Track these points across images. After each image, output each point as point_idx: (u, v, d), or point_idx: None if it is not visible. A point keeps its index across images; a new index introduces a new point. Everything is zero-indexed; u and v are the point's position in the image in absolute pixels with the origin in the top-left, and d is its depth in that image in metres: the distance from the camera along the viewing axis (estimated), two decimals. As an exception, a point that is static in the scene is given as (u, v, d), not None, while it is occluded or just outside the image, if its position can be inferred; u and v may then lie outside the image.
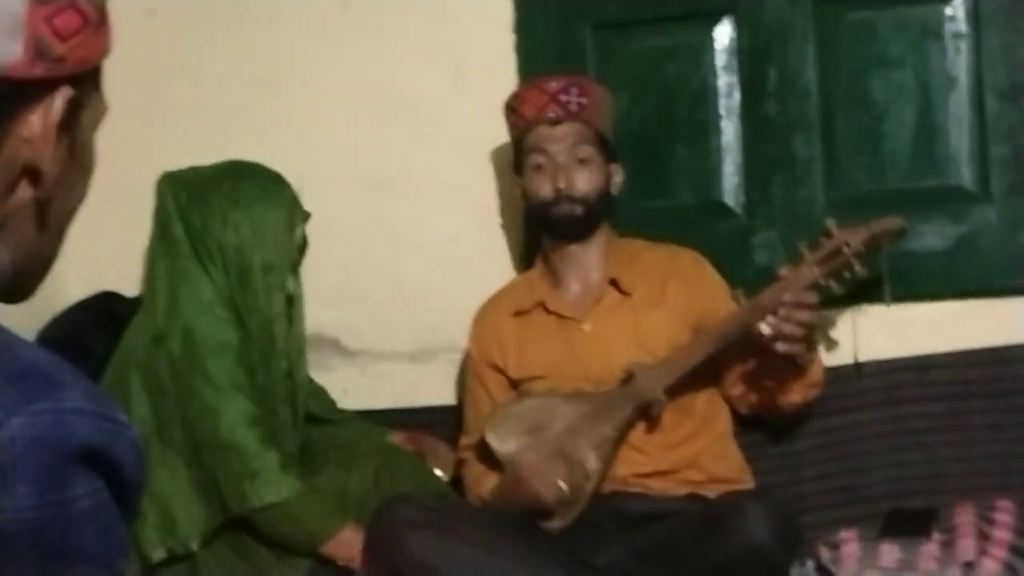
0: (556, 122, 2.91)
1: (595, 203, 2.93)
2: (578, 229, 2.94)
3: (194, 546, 2.78)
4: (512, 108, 2.98)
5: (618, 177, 2.99)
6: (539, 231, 3.04)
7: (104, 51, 1.09)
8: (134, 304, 3.02)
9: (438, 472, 3.03)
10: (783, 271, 2.80)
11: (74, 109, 1.06)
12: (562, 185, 2.89)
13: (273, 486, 2.77)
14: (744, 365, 2.93)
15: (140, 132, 3.31)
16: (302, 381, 2.97)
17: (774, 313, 2.75)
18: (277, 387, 2.91)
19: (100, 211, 3.08)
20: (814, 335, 2.81)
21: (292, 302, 2.92)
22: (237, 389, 2.81)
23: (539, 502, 2.79)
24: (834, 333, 3.01)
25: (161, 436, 2.80)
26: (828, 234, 2.80)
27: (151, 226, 2.95)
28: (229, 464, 2.78)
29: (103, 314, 3.11)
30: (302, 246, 2.94)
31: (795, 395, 2.88)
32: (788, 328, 2.73)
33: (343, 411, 3.18)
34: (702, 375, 2.90)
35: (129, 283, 3.17)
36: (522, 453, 2.82)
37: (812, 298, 2.77)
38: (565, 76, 2.97)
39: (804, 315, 2.74)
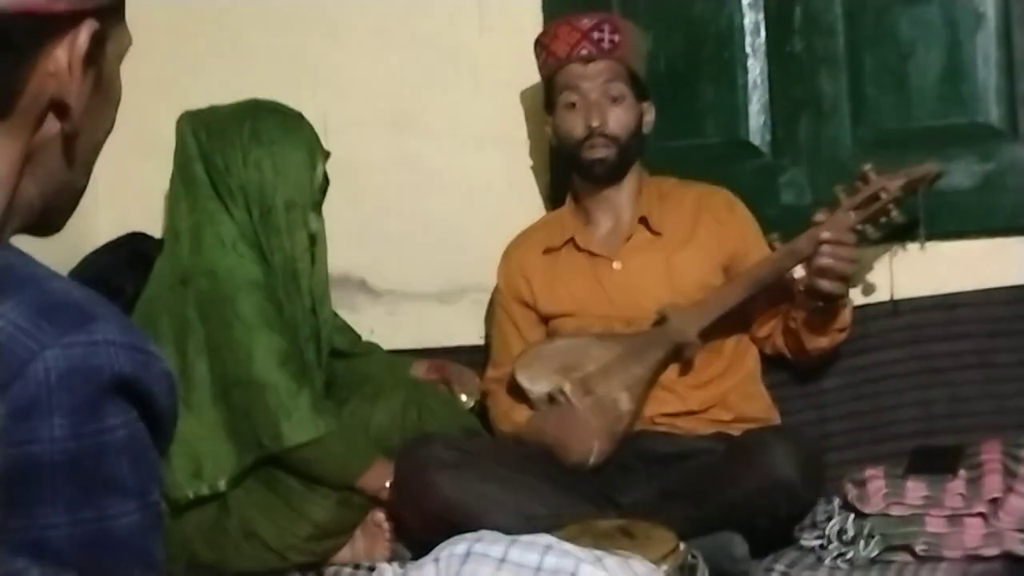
0: (589, 60, 2.89)
1: (627, 143, 2.91)
2: (610, 173, 2.93)
3: (222, 486, 2.81)
4: (543, 45, 2.95)
5: (650, 115, 2.98)
6: (570, 171, 3.03)
7: None
8: (162, 244, 3.04)
9: (463, 397, 3.04)
10: (819, 215, 2.79)
11: (99, 42, 1.06)
12: (595, 124, 2.88)
13: (307, 424, 2.79)
14: (774, 308, 2.93)
15: (165, 74, 3.31)
16: (326, 318, 2.99)
17: (810, 259, 2.75)
18: (302, 324, 2.93)
19: (127, 153, 3.11)
20: (851, 275, 2.80)
21: (315, 240, 2.94)
22: (268, 326, 2.83)
23: (570, 461, 2.81)
24: (869, 272, 3.00)
25: (187, 377, 2.82)
26: (865, 179, 2.79)
27: (172, 166, 2.96)
28: (264, 402, 2.79)
29: (132, 254, 3.13)
30: (323, 185, 2.95)
31: (823, 339, 2.89)
32: (829, 263, 2.73)
33: (368, 344, 3.19)
34: (732, 317, 2.90)
35: (157, 223, 3.19)
36: (557, 412, 2.82)
37: (851, 239, 2.76)
38: (597, 13, 2.95)
39: (845, 251, 2.73)
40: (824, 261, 2.74)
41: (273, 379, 2.80)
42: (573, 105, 2.91)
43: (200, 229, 2.89)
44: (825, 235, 2.74)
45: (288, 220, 2.90)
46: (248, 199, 2.89)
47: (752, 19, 3.12)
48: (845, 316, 2.88)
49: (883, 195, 2.77)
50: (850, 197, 2.79)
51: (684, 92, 3.15)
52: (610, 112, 2.89)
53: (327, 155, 2.96)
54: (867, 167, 2.79)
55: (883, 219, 2.79)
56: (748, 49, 3.13)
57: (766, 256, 2.86)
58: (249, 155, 2.89)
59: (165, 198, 3.02)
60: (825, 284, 2.74)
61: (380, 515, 2.84)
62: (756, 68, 3.12)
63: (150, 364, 0.99)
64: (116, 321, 0.99)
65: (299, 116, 2.96)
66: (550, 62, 2.94)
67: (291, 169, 2.90)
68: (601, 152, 2.89)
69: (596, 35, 2.89)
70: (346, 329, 3.15)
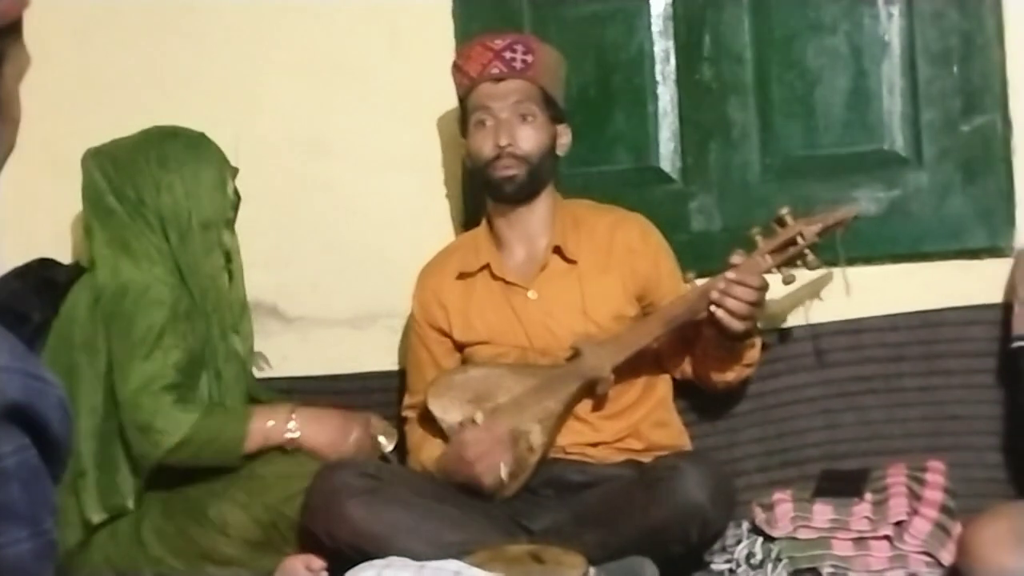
0: (499, 79, 2.88)
1: (538, 163, 2.89)
2: (520, 192, 2.91)
3: (130, 504, 2.82)
4: (457, 66, 2.95)
5: (565, 138, 2.96)
6: (483, 193, 3.02)
7: (24, 3, 1.08)
8: (70, 270, 3.02)
9: (382, 440, 3.01)
10: (736, 257, 2.77)
11: None
12: (503, 143, 2.86)
13: (169, 429, 2.80)
14: (685, 342, 2.93)
15: (71, 100, 3.29)
16: (247, 334, 2.99)
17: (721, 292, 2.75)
18: (220, 345, 2.93)
19: (33, 177, 3.09)
20: (757, 315, 2.82)
21: (230, 257, 2.96)
22: (156, 346, 2.83)
23: (480, 486, 2.80)
24: (770, 297, 3.02)
25: (101, 400, 2.84)
26: (782, 223, 2.78)
27: (82, 201, 2.95)
28: (133, 419, 2.81)
29: (39, 280, 3.09)
30: (235, 201, 2.98)
31: (731, 373, 2.90)
32: (739, 305, 2.73)
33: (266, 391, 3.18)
34: (644, 351, 2.90)
35: (64, 249, 3.15)
36: (468, 432, 2.82)
37: (760, 282, 2.76)
38: (511, 34, 2.95)
39: (752, 295, 2.73)
40: (730, 303, 2.74)
41: (139, 398, 2.81)
42: (483, 123, 2.90)
43: (119, 257, 2.89)
44: (731, 275, 2.74)
45: (204, 239, 2.92)
46: (165, 224, 2.91)
47: (662, 47, 3.15)
48: (753, 354, 2.90)
49: (800, 240, 2.76)
50: (767, 240, 2.78)
51: (595, 118, 3.16)
52: (519, 131, 2.88)
53: (235, 171, 2.98)
54: (784, 211, 2.78)
55: (799, 263, 2.78)
56: (658, 76, 3.15)
57: (681, 295, 2.85)
58: (160, 181, 2.90)
59: (80, 228, 3.00)
60: (730, 320, 2.75)
61: (300, 564, 2.81)
62: (666, 95, 3.15)
63: (44, 391, 0.98)
64: (9, 346, 0.98)
65: (202, 136, 2.98)
66: (464, 82, 2.93)
67: (202, 189, 2.92)
68: (511, 171, 2.88)
69: (508, 55, 2.89)
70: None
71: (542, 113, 2.90)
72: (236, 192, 2.98)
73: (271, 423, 2.87)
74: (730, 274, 2.75)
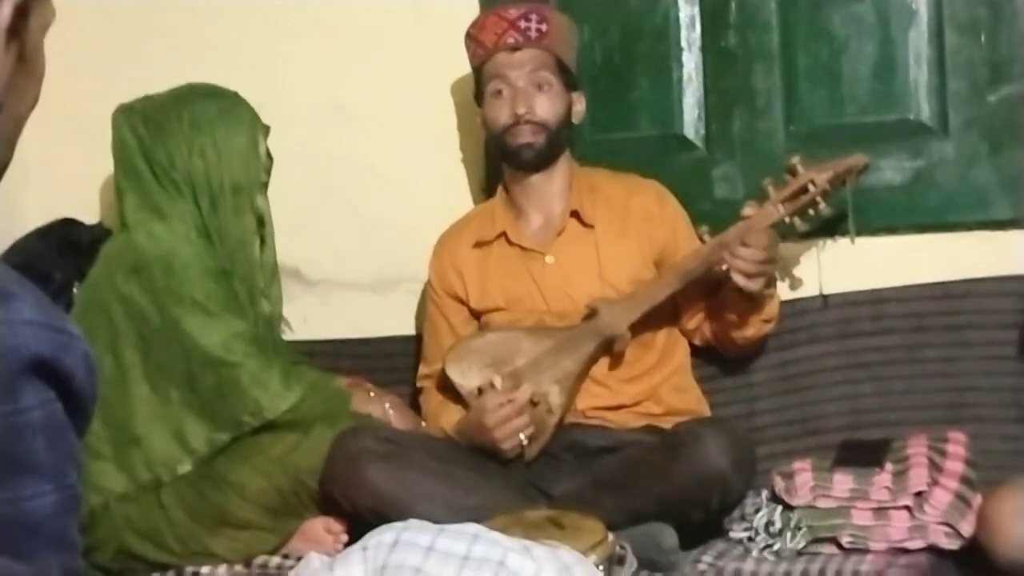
0: (515, 48, 2.89)
1: (555, 130, 2.91)
2: (538, 159, 2.92)
3: (188, 467, 2.83)
4: (472, 36, 2.96)
5: (580, 105, 2.98)
6: (500, 161, 3.03)
7: None
8: (93, 231, 3.02)
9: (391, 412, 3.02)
10: (748, 209, 2.80)
11: (21, 14, 1.05)
12: (521, 111, 2.88)
13: (284, 393, 2.83)
14: (702, 299, 2.94)
15: (98, 60, 3.29)
16: (277, 298, 3.01)
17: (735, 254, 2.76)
18: (250, 310, 2.94)
19: (57, 137, 3.09)
20: (774, 271, 2.82)
21: (263, 221, 2.96)
22: (226, 309, 2.85)
23: (500, 451, 2.81)
24: (798, 267, 3.02)
25: (147, 363, 2.83)
26: (793, 172, 2.81)
27: (112, 161, 2.94)
28: (237, 381, 2.82)
29: (62, 241, 3.11)
30: (267, 164, 2.97)
31: (750, 329, 2.90)
32: (749, 266, 2.74)
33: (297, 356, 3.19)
34: (661, 309, 2.91)
35: (88, 210, 3.16)
36: (488, 398, 2.82)
37: (774, 237, 2.77)
38: (525, 3, 2.96)
39: (766, 252, 2.75)
40: (741, 264, 2.75)
41: (241, 359, 2.82)
42: (500, 93, 2.91)
43: (151, 223, 2.88)
44: (748, 236, 2.75)
45: (235, 204, 2.92)
46: (196, 189, 2.90)
47: (687, 14, 3.13)
48: (772, 307, 2.90)
49: (811, 188, 2.79)
50: (778, 190, 2.81)
51: (619, 85, 3.15)
52: (536, 100, 2.89)
53: (267, 130, 2.97)
54: (795, 160, 2.81)
55: (811, 211, 2.81)
56: (683, 43, 3.14)
57: (695, 249, 2.87)
58: (192, 144, 2.89)
59: (109, 190, 3.00)
60: (743, 282, 2.76)
61: (319, 526, 2.83)
62: (691, 63, 3.14)
63: (69, 344, 0.98)
64: (35, 300, 0.98)
65: (235, 96, 2.96)
66: (479, 52, 2.94)
67: (234, 152, 2.91)
68: (528, 137, 2.89)
69: (523, 24, 2.90)
70: None
71: (558, 81, 2.91)
72: (268, 154, 2.97)
73: (368, 409, 2.94)
74: (743, 227, 2.76)
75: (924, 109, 3.01)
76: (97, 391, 1.01)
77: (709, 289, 2.90)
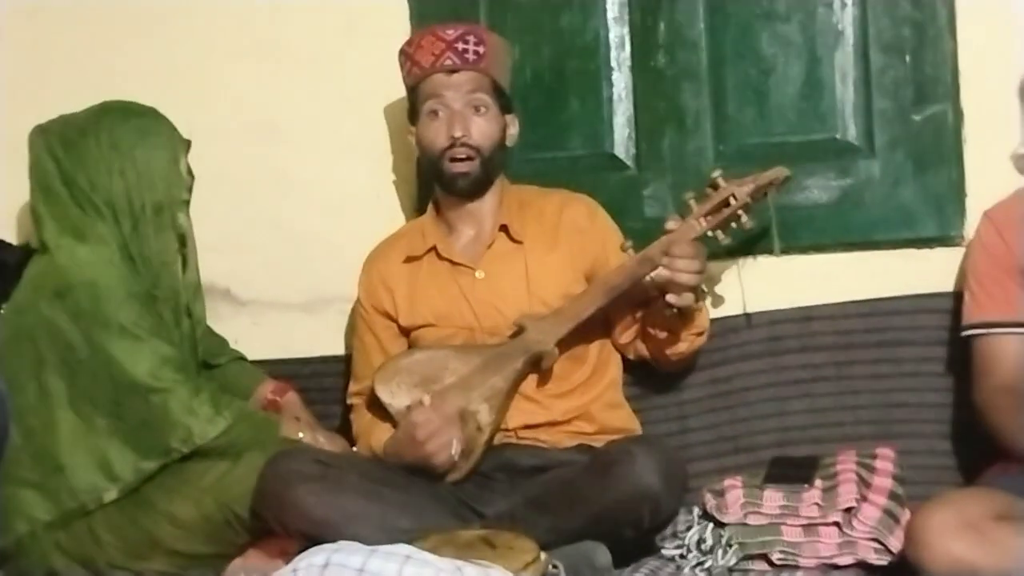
0: (453, 70, 2.89)
1: (490, 155, 2.91)
2: (473, 188, 2.93)
3: (113, 495, 2.80)
4: (407, 54, 2.95)
5: (513, 128, 2.99)
6: (432, 179, 3.03)
7: None
8: (20, 251, 2.99)
9: (300, 435, 3.00)
10: (671, 223, 2.82)
11: None
12: (457, 133, 2.88)
13: (214, 419, 2.82)
14: (632, 314, 2.96)
15: (19, 77, 3.26)
16: (199, 317, 2.99)
17: (661, 265, 2.78)
18: (174, 331, 2.92)
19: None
20: (701, 285, 2.84)
21: (184, 240, 2.93)
22: (153, 334, 2.83)
23: (431, 465, 2.81)
24: (721, 285, 3.04)
25: (72, 390, 2.81)
26: (715, 186, 2.84)
27: (30, 181, 2.92)
28: (165, 407, 2.80)
29: (-12, 261, 3.07)
30: (189, 181, 2.95)
31: (683, 344, 2.91)
32: (675, 277, 2.76)
33: (232, 351, 3.18)
34: (593, 324, 2.92)
35: (9, 230, 3.13)
36: (417, 412, 2.82)
37: (699, 249, 2.79)
38: (462, 24, 2.96)
39: (691, 264, 2.77)
40: (668, 274, 2.77)
41: (171, 385, 2.81)
42: (436, 114, 2.91)
43: (73, 245, 2.86)
44: (674, 249, 2.77)
45: (157, 223, 2.90)
46: (116, 210, 2.88)
47: (617, 33, 3.15)
48: (702, 319, 2.91)
49: (732, 201, 2.81)
50: (700, 204, 2.83)
51: (549, 104, 3.17)
52: (473, 122, 2.90)
53: (188, 145, 2.95)
54: (716, 174, 2.84)
55: (734, 225, 2.83)
56: (613, 63, 3.16)
57: (620, 265, 2.88)
58: (112, 165, 2.87)
59: (29, 211, 2.97)
60: (671, 297, 2.77)
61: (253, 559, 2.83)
62: (621, 82, 3.15)
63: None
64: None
65: (154, 113, 2.95)
66: (414, 71, 2.93)
67: (155, 171, 2.90)
68: (464, 166, 2.89)
69: (461, 46, 2.90)
70: (209, 335, 3.12)
71: (494, 104, 2.92)
72: (190, 171, 2.95)
73: (301, 435, 2.95)
74: (666, 241, 2.78)
75: (850, 128, 3.04)
76: (8, 425, 1.00)
77: (639, 303, 2.92)
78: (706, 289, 2.93)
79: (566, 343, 2.88)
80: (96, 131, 2.88)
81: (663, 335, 2.90)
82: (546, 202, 3.00)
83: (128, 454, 2.81)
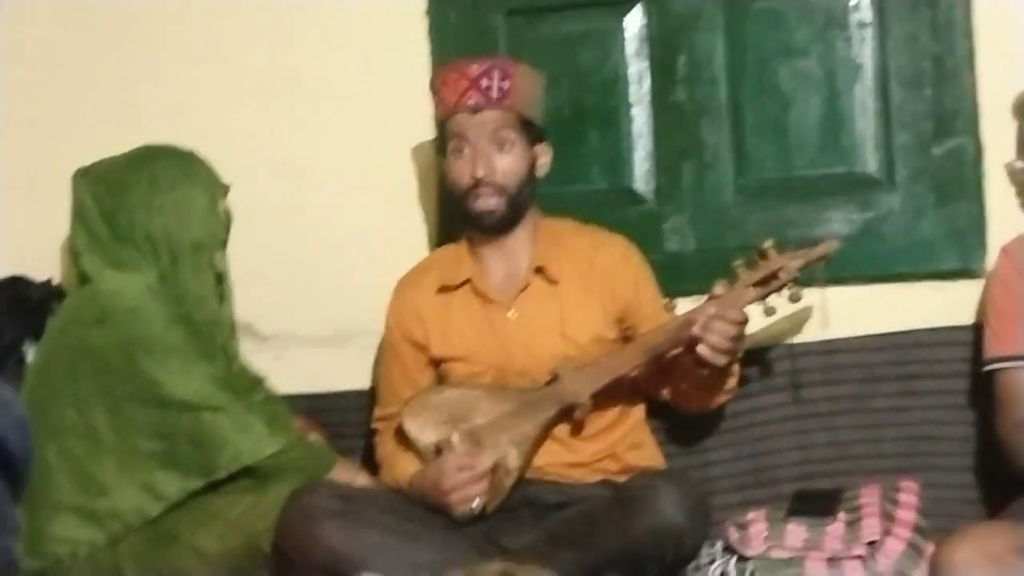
0: (476, 110, 2.86)
1: (516, 192, 2.88)
2: (500, 224, 2.90)
3: (158, 511, 2.81)
4: (435, 90, 2.93)
5: (545, 158, 2.94)
6: (459, 213, 2.99)
7: None
8: (43, 289, 3.00)
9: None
10: (718, 288, 2.77)
11: None
12: (480, 174, 2.84)
13: (266, 439, 2.83)
14: (662, 370, 2.93)
15: (48, 123, 3.29)
16: (234, 355, 2.99)
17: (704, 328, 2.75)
18: (224, 357, 2.93)
19: (7, 200, 3.09)
20: (738, 348, 2.82)
21: (221, 279, 2.96)
22: (200, 355, 2.85)
23: (450, 514, 2.80)
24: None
25: (114, 414, 2.81)
26: (765, 255, 2.79)
27: (71, 222, 2.93)
28: (214, 425, 2.81)
29: (12, 299, 3.09)
30: (227, 222, 2.97)
31: (709, 401, 2.92)
32: (721, 341, 2.74)
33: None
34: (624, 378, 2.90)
35: (37, 268, 3.14)
36: (448, 460, 2.80)
37: (742, 316, 2.77)
38: (488, 58, 2.92)
39: (732, 329, 2.74)
40: (711, 338, 2.74)
41: (224, 403, 2.82)
42: (461, 152, 2.88)
43: (114, 275, 2.88)
44: (713, 309, 2.74)
45: (195, 262, 2.92)
46: (156, 247, 2.90)
47: (637, 68, 3.16)
48: (732, 382, 2.90)
49: (782, 275, 2.77)
50: (749, 272, 2.79)
51: (569, 138, 3.16)
52: (497, 161, 2.86)
53: (226, 189, 2.98)
54: (767, 244, 2.79)
55: (778, 295, 2.79)
56: (632, 98, 3.16)
57: (662, 324, 2.84)
58: (152, 204, 2.89)
59: (54, 246, 2.98)
60: (712, 355, 2.75)
61: None
62: (640, 116, 3.16)
63: (2, 410, 0.98)
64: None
65: (193, 155, 2.97)
66: (440, 108, 2.92)
67: (194, 211, 2.92)
68: (490, 203, 2.87)
69: (484, 83, 2.86)
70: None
71: (520, 138, 2.88)
72: (227, 212, 2.98)
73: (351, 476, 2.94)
74: (712, 307, 2.75)
75: (871, 162, 3.04)
76: (30, 449, 1.01)
77: (671, 361, 2.89)
78: (742, 352, 2.89)
79: (597, 395, 2.86)
80: (138, 171, 2.91)
81: (692, 392, 2.90)
82: (580, 240, 2.97)
83: (173, 475, 2.82)
